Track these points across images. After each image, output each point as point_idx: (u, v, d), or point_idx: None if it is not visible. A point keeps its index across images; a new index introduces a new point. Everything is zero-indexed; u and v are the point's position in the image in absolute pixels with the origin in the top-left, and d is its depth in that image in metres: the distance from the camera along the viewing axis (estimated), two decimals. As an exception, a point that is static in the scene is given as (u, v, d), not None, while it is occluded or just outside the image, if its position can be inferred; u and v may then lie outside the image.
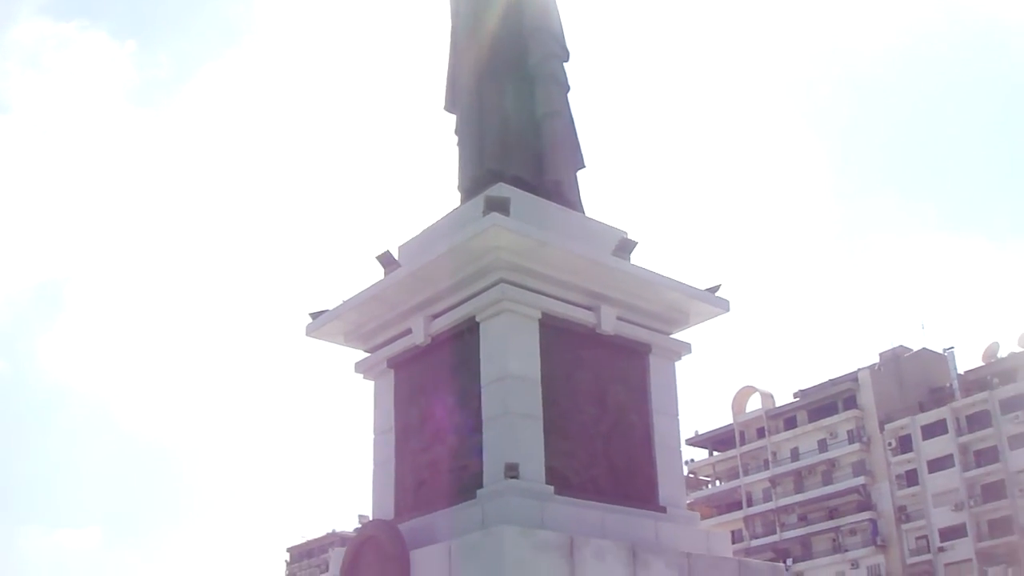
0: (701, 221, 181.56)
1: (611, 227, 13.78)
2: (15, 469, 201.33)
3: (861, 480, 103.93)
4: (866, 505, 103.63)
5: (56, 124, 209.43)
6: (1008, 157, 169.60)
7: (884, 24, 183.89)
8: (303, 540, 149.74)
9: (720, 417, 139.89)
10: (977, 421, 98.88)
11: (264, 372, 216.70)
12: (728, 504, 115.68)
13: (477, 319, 12.41)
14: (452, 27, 15.14)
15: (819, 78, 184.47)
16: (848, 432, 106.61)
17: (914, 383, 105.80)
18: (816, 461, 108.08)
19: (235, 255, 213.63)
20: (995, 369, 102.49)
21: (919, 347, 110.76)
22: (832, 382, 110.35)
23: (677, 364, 13.86)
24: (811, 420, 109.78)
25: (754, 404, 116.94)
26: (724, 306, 13.96)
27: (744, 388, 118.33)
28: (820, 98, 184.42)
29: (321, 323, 14.00)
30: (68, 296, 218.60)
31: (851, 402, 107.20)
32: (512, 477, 11.35)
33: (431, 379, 12.97)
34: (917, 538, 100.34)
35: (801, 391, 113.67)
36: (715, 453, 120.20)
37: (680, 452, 13.56)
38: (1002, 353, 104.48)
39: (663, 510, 12.76)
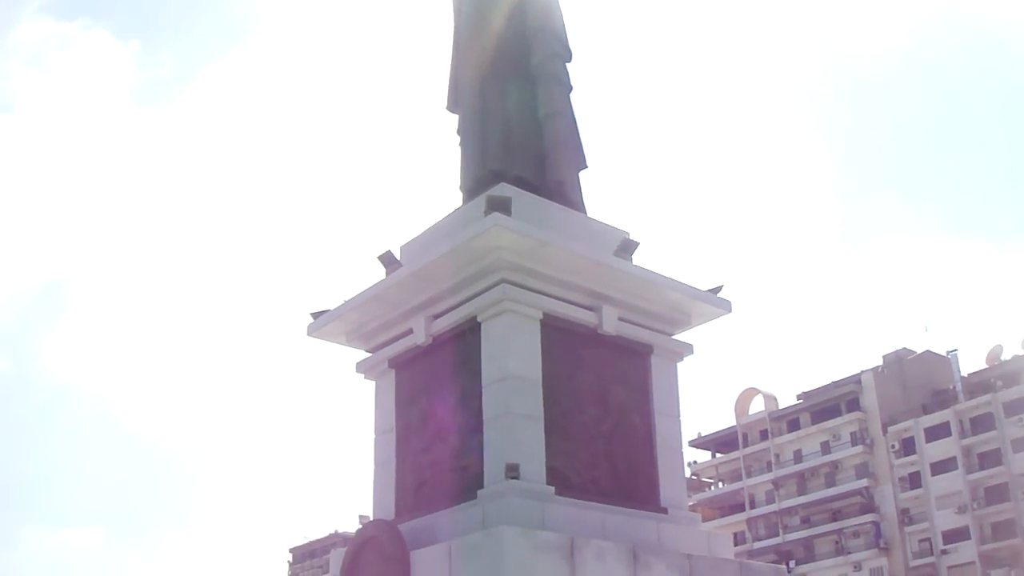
0: (704, 222, 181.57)
1: (613, 227, 13.75)
2: (18, 469, 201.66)
3: (864, 482, 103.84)
4: (869, 507, 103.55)
5: (59, 124, 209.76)
6: (1011, 160, 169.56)
7: (887, 26, 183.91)
8: (305, 540, 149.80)
9: (723, 419, 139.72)
10: (980, 424, 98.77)
11: (267, 372, 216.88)
12: (731, 506, 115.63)
13: (478, 319, 12.39)
14: (455, 27, 15.13)
15: (822, 80, 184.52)
16: (851, 434, 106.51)
17: (917, 385, 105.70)
18: (819, 463, 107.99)
19: (238, 255, 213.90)
20: (998, 372, 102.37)
21: (922, 349, 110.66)
22: (835, 384, 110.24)
23: (679, 365, 13.83)
24: (814, 422, 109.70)
25: (757, 406, 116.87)
26: (726, 307, 13.93)
27: (747, 390, 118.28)
28: (823, 100, 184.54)
29: (322, 323, 13.98)
30: (71, 296, 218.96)
31: (854, 404, 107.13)
32: (513, 478, 11.32)
33: (432, 379, 12.95)
34: (920, 541, 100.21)
35: (804, 393, 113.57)
36: (718, 455, 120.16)
37: (682, 453, 13.54)
38: (1006, 356, 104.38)
39: (664, 511, 12.73)
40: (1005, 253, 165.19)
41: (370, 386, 13.98)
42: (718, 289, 13.84)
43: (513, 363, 11.98)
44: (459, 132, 14.70)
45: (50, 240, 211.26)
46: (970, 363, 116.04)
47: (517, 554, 10.37)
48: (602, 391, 12.73)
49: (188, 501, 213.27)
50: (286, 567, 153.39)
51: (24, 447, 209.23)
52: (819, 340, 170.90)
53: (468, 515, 11.44)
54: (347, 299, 13.68)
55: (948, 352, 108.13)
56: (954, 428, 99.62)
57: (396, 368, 13.50)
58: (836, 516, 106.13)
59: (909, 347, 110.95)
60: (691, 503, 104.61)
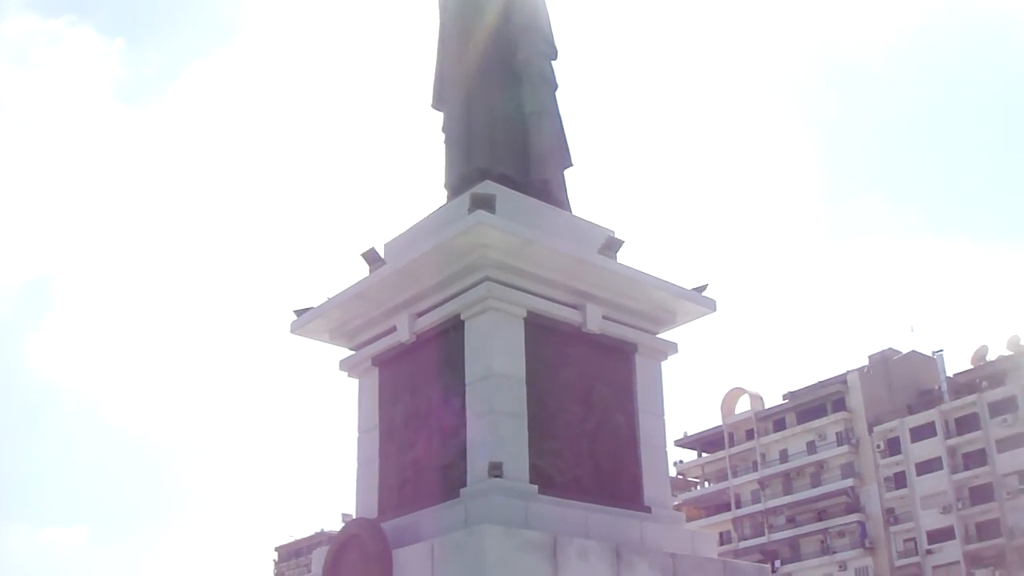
0: (689, 221, 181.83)
1: (598, 226, 13.74)
2: (2, 467, 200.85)
3: (850, 482, 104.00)
4: (854, 507, 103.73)
5: (44, 121, 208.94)
6: (996, 160, 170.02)
7: (872, 25, 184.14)
8: (291, 539, 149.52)
9: (709, 418, 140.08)
10: (966, 424, 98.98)
11: (254, 370, 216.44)
12: (717, 505, 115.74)
13: (462, 317, 12.36)
14: (440, 24, 15.09)
15: (807, 78, 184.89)
16: (837, 434, 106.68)
17: (903, 386, 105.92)
18: (805, 463, 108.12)
19: (223, 252, 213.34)
20: (984, 372, 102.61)
21: (908, 350, 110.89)
22: (821, 384, 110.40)
23: (663, 364, 13.84)
24: (800, 422, 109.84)
25: (743, 406, 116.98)
26: (711, 306, 13.92)
27: (733, 390, 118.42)
28: (808, 98, 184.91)
29: (305, 320, 13.93)
30: (57, 293, 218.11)
31: (840, 404, 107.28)
32: (496, 476, 11.30)
33: (416, 377, 12.91)
34: (905, 540, 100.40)
35: (790, 393, 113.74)
36: (704, 454, 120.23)
37: (666, 452, 13.53)
38: (991, 356, 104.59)
39: (648, 510, 12.71)
40: (991, 254, 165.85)
41: (354, 384, 13.94)
42: (703, 288, 13.82)
43: (497, 361, 11.95)
44: (444, 130, 14.67)
45: (36, 237, 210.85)
46: (955, 363, 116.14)
47: (500, 553, 10.34)
48: (586, 389, 12.70)
49: (173, 500, 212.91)
50: (272, 566, 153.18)
51: (8, 444, 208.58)
52: (805, 340, 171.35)
53: (451, 513, 11.40)
54: (330, 297, 13.64)
55: (934, 352, 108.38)
56: (939, 428, 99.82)
57: (379, 366, 13.46)
58: (822, 516, 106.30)
59: (895, 347, 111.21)
60: (677, 502, 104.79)
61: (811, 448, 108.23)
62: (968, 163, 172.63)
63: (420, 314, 12.89)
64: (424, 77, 15.09)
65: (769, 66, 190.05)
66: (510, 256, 12.16)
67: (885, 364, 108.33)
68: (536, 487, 11.66)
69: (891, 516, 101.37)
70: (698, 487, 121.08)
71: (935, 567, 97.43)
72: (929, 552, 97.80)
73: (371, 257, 13.34)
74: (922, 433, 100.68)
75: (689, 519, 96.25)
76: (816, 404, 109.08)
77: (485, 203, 11.86)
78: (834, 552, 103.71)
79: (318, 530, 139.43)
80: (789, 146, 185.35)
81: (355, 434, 13.69)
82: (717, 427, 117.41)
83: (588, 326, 12.81)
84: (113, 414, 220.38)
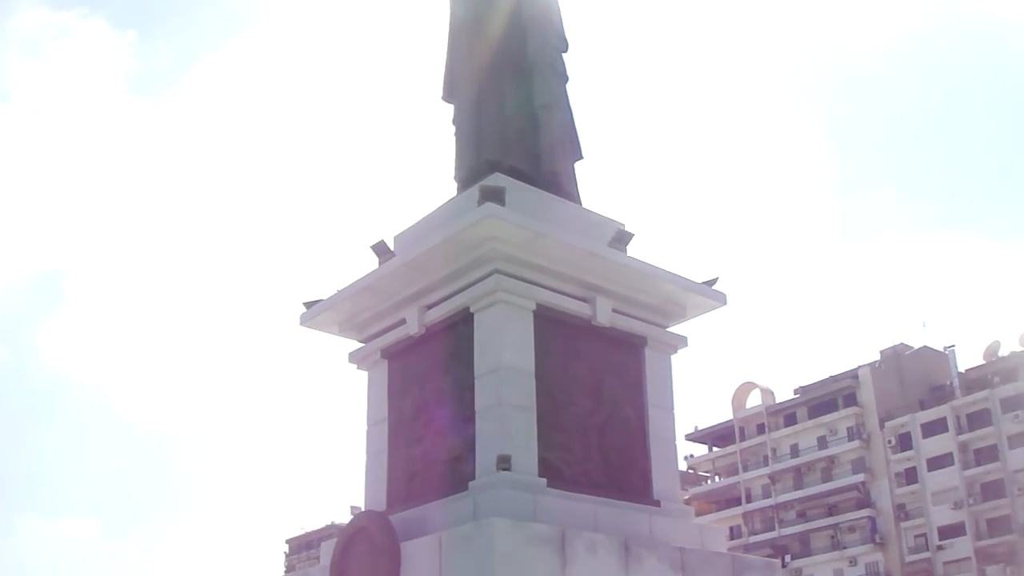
0: (700, 215, 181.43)
1: (608, 219, 13.69)
2: (15, 458, 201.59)
3: (860, 477, 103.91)
4: (865, 502, 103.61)
5: (56, 113, 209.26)
6: (1009, 155, 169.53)
7: (885, 20, 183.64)
8: (302, 531, 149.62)
9: (720, 413, 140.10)
10: (977, 420, 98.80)
11: (264, 362, 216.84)
12: (727, 500, 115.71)
13: (471, 310, 12.33)
14: (451, 16, 15.04)
15: (820, 72, 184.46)
16: (848, 429, 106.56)
17: (914, 381, 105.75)
18: (816, 458, 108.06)
19: (233, 245, 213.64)
20: (996, 368, 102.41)
21: (920, 345, 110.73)
22: (833, 379, 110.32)
23: (673, 357, 13.78)
24: (811, 417, 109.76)
25: (754, 400, 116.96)
26: (721, 299, 13.86)
27: (744, 384, 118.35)
28: (821, 92, 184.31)
29: (315, 313, 13.91)
30: (69, 286, 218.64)
31: (851, 399, 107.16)
32: (504, 469, 11.28)
33: (425, 370, 12.89)
34: (916, 536, 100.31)
35: (801, 388, 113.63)
36: (715, 449, 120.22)
37: (675, 446, 13.49)
38: (1003, 352, 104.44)
39: (657, 504, 12.67)
40: (1003, 249, 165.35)
41: (363, 376, 13.92)
42: (713, 281, 13.77)
43: (506, 354, 11.92)
44: (454, 122, 14.63)
45: (48, 230, 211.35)
46: (967, 359, 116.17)
47: (508, 546, 10.31)
48: (595, 383, 12.66)
49: (185, 491, 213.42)
50: (283, 558, 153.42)
51: (21, 437, 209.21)
52: (817, 335, 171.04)
53: (459, 506, 11.38)
54: (340, 289, 13.62)
55: (946, 348, 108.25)
56: (951, 424, 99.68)
57: (389, 359, 13.44)
58: (832, 511, 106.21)
59: (907, 342, 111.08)
60: (687, 497, 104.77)
61: (822, 443, 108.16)
62: (981, 159, 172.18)
63: (429, 307, 12.87)
64: (434, 69, 15.07)
65: (782, 60, 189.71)
66: (520, 249, 12.12)
67: (897, 359, 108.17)
68: (545, 480, 11.64)
69: (902, 512, 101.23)
70: (708, 481, 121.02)
71: (946, 563, 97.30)
72: (940, 548, 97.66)
73: (380, 249, 13.32)
74: (933, 429, 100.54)
75: (699, 513, 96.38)
76: (827, 399, 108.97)
77: (495, 196, 11.83)
78: (844, 547, 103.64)
79: (329, 522, 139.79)
80: (801, 140, 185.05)
81: (364, 427, 13.68)
82: (728, 421, 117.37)
83: (598, 319, 12.77)
84: (124, 406, 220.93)
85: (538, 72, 14.26)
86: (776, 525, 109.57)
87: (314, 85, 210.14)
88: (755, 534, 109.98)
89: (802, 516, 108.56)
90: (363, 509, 12.94)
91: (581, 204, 13.98)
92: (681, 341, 13.81)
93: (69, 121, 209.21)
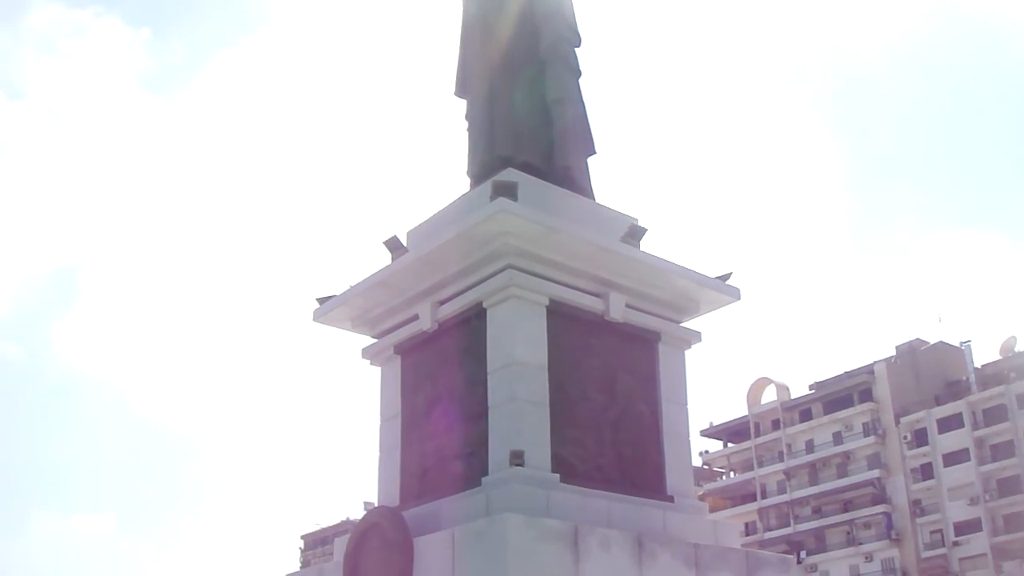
0: (714, 210, 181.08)
1: (621, 213, 13.65)
2: (30, 455, 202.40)
3: (876, 473, 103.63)
4: (881, 498, 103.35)
5: (71, 111, 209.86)
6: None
7: (903, 14, 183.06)
8: (317, 527, 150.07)
9: (735, 408, 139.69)
10: (993, 415, 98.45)
11: (280, 358, 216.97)
12: (742, 496, 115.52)
13: (484, 305, 12.31)
14: (464, 12, 15.01)
15: (835, 67, 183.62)
16: (863, 425, 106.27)
17: (930, 376, 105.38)
18: (831, 454, 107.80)
19: (247, 241, 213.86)
20: (1012, 363, 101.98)
21: (936, 340, 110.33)
22: (848, 374, 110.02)
23: (687, 352, 13.73)
24: (826, 412, 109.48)
25: (769, 396, 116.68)
26: (735, 294, 13.81)
27: (759, 380, 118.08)
28: (836, 87, 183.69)
29: (328, 308, 13.91)
30: (84, 283, 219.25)
31: (867, 395, 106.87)
32: (517, 465, 11.25)
33: (438, 365, 12.87)
34: (932, 532, 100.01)
35: (817, 383, 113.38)
36: (730, 445, 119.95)
37: (689, 441, 13.45)
38: (1019, 347, 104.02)
39: (671, 500, 12.64)
40: (1019, 245, 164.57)
41: (376, 372, 13.92)
42: (727, 276, 13.72)
43: (519, 349, 11.89)
44: (467, 117, 14.60)
45: (62, 227, 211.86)
46: (984, 354, 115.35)
47: (521, 542, 10.28)
48: (609, 378, 12.63)
49: (200, 488, 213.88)
50: (298, 554, 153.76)
51: (36, 433, 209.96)
52: (832, 330, 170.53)
53: (472, 502, 11.36)
54: (353, 285, 13.61)
55: (962, 343, 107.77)
56: (967, 419, 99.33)
57: (402, 354, 13.43)
58: (847, 507, 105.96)
59: (922, 338, 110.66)
60: (702, 492, 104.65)
61: (837, 439, 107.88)
62: (997, 155, 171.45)
63: (442, 302, 12.85)
64: (448, 65, 15.05)
65: (796, 56, 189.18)
66: (532, 244, 12.09)
67: (912, 355, 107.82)
68: (558, 476, 11.61)
69: (918, 508, 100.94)
70: (724, 477, 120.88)
71: (962, 559, 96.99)
72: (956, 544, 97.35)
73: (393, 245, 13.31)
74: (949, 424, 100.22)
75: (715, 509, 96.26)
76: (843, 394, 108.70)
77: (507, 191, 11.81)
78: (860, 543, 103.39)
79: (344, 518, 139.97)
80: (816, 136, 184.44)
81: (377, 422, 13.67)
82: (743, 417, 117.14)
83: (611, 314, 12.73)
84: (139, 403, 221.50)
85: (551, 67, 14.23)
86: (791, 521, 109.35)
87: (327, 82, 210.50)
88: (770, 530, 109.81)
89: (817, 512, 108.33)
90: (376, 505, 12.93)
91: (594, 199, 13.94)
92: (695, 336, 13.76)
93: (84, 118, 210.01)
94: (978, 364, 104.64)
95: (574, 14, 14.71)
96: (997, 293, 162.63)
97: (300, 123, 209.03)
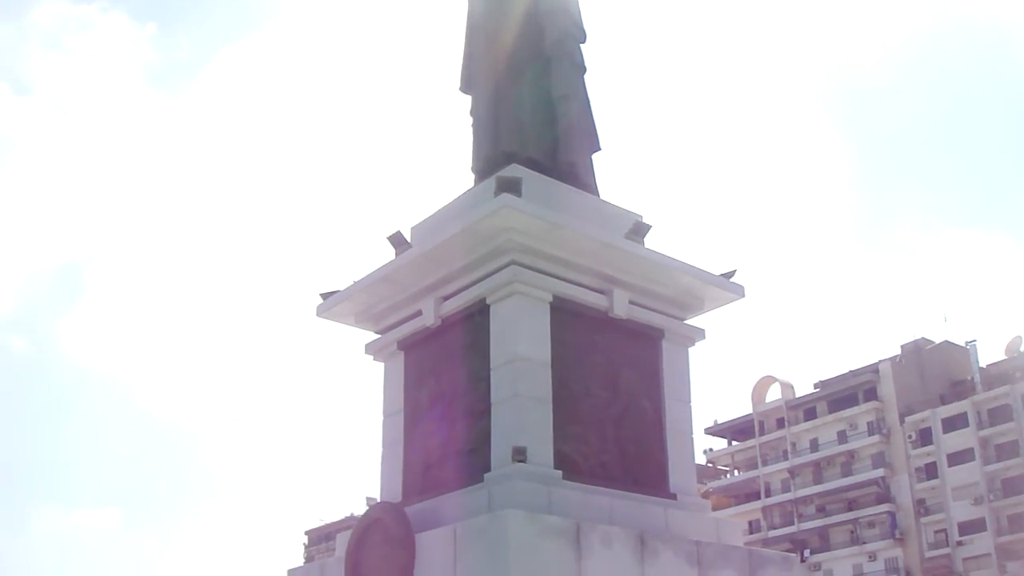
0: (719, 208, 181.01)
1: (625, 210, 13.62)
2: (35, 449, 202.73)
3: (880, 472, 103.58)
4: (885, 497, 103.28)
5: (76, 106, 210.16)
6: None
7: (911, 12, 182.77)
8: (321, 523, 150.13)
9: (739, 407, 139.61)
10: (998, 415, 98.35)
11: (284, 353, 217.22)
12: (746, 494, 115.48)
13: (488, 301, 12.28)
14: (469, 7, 15.00)
15: (841, 66, 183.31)
16: (868, 424, 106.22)
17: (935, 376, 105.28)
18: (835, 452, 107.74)
19: (252, 236, 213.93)
20: (1017, 363, 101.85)
21: (941, 339, 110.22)
22: (853, 373, 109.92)
23: (691, 350, 13.69)
24: (831, 411, 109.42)
25: (774, 394, 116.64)
26: (739, 291, 13.78)
27: (764, 378, 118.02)
28: (842, 86, 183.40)
29: (331, 304, 13.89)
30: (89, 278, 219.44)
31: (871, 394, 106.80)
32: (520, 461, 11.22)
33: (441, 361, 12.85)
34: (936, 532, 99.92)
35: (821, 382, 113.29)
36: (734, 443, 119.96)
37: (692, 439, 13.40)
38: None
39: (673, 497, 12.61)
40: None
41: (379, 368, 13.90)
42: (731, 274, 13.68)
43: (522, 345, 11.87)
44: (472, 113, 14.57)
45: (68, 222, 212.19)
46: (989, 354, 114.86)
47: (522, 538, 10.25)
48: (612, 375, 12.60)
49: (204, 483, 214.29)
50: (302, 549, 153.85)
51: (41, 427, 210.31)
52: (837, 329, 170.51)
53: (474, 498, 11.34)
54: (356, 280, 13.59)
55: (967, 343, 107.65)
56: (972, 419, 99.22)
57: (405, 350, 13.41)
58: (852, 506, 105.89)
59: (928, 337, 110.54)
60: (707, 491, 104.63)
61: (842, 437, 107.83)
62: (1003, 154, 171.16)
63: (446, 298, 12.83)
64: (453, 60, 15.03)
65: (802, 55, 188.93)
66: (536, 240, 12.06)
67: (918, 354, 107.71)
68: (560, 472, 11.57)
69: (922, 507, 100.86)
70: (728, 475, 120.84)
71: (966, 559, 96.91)
72: (960, 544, 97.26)
73: (397, 240, 13.29)
74: (954, 424, 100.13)
75: (719, 507, 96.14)
76: (848, 393, 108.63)
77: (511, 186, 11.78)
78: (864, 542, 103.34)
79: (348, 514, 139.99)
80: (822, 136, 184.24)
81: (380, 418, 13.66)
82: (748, 415, 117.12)
83: (615, 311, 12.70)
84: (144, 398, 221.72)
85: (556, 63, 14.20)
86: (795, 520, 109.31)
87: (332, 77, 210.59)
88: (774, 528, 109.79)
89: (821, 511, 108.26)
90: (378, 500, 12.92)
91: (599, 195, 13.91)
92: (699, 333, 13.73)
93: (89, 114, 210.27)
94: (983, 364, 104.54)
95: (579, 10, 14.69)
96: (1003, 293, 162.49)
97: (305, 119, 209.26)
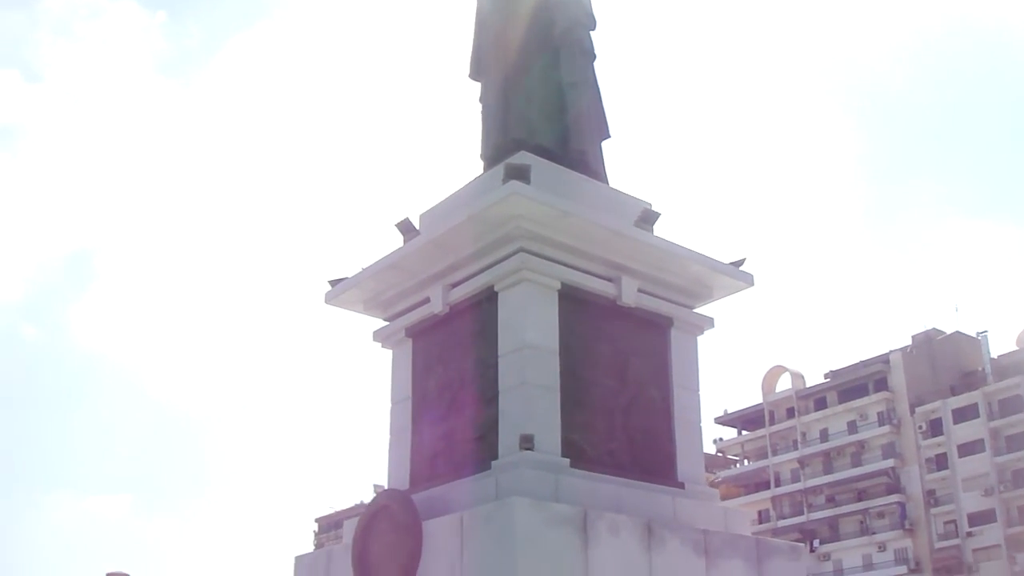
0: (729, 197, 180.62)
1: (634, 198, 13.58)
2: (47, 436, 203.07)
3: (890, 463, 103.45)
4: (895, 488, 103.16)
5: (87, 94, 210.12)
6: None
7: (923, 3, 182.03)
8: (331, 511, 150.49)
9: (750, 396, 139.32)
10: (1009, 406, 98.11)
11: (295, 341, 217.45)
12: (756, 484, 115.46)
13: (496, 288, 12.25)
14: (479, -7, 14.94)
15: (852, 54, 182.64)
16: (878, 414, 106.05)
17: (946, 366, 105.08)
18: (845, 442, 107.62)
19: (262, 224, 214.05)
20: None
21: (952, 330, 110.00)
22: (864, 363, 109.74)
23: (699, 338, 13.65)
24: (841, 401, 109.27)
25: (784, 384, 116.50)
26: (748, 280, 13.72)
27: (774, 368, 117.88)
28: (853, 75, 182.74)
29: (340, 291, 13.88)
30: (100, 265, 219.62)
31: (882, 384, 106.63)
32: (527, 449, 11.20)
33: (449, 349, 12.83)
34: (945, 523, 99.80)
35: (832, 372, 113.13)
36: (744, 432, 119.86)
37: (700, 428, 13.36)
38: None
39: (681, 486, 12.58)
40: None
41: (387, 355, 13.88)
42: (740, 262, 13.63)
43: (530, 333, 11.83)
44: (481, 100, 14.55)
45: (79, 209, 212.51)
46: (1000, 345, 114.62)
47: (529, 526, 10.24)
48: (620, 363, 12.56)
49: (215, 470, 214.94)
50: (312, 537, 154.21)
51: (53, 414, 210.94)
52: (848, 319, 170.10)
53: (481, 486, 11.33)
54: (365, 267, 13.58)
55: (978, 333, 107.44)
56: (982, 410, 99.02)
57: (413, 337, 13.39)
58: (861, 496, 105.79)
59: (939, 327, 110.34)
60: (716, 480, 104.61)
61: (852, 428, 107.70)
62: (1013, 144, 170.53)
63: (454, 285, 12.80)
64: (463, 47, 14.98)
65: (813, 43, 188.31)
66: (545, 227, 12.03)
67: (929, 344, 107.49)
68: (568, 460, 11.55)
69: (932, 498, 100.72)
70: (738, 465, 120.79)
71: (975, 550, 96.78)
72: (970, 535, 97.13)
73: (405, 227, 13.27)
74: (965, 414, 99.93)
75: (728, 497, 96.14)
76: (858, 383, 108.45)
77: (520, 174, 11.74)
78: (873, 533, 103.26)
79: (358, 502, 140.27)
80: (833, 124, 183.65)
81: (388, 405, 13.65)
82: (758, 405, 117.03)
83: (623, 299, 12.66)
84: (155, 385, 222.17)
85: (565, 50, 14.14)
86: (805, 509, 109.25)
87: (342, 65, 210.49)
88: (783, 518, 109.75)
89: (831, 501, 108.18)
90: (386, 488, 12.91)
91: (608, 183, 13.86)
92: (707, 322, 13.69)
93: (100, 102, 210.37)
94: (994, 355, 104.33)
95: (590, -2, 14.63)
96: (1014, 284, 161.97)
97: (315, 106, 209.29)
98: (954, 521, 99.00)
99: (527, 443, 11.21)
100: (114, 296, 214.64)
